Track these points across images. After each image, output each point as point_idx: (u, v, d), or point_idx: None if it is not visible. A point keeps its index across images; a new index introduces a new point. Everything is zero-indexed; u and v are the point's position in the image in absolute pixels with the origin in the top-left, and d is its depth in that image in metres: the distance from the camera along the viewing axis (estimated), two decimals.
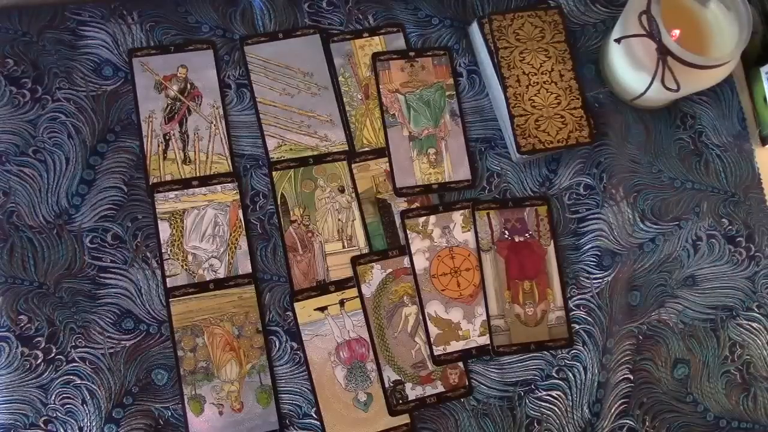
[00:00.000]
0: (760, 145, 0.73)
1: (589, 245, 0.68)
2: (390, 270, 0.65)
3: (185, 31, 0.67)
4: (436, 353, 0.64)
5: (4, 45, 0.64)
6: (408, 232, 0.66)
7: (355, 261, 0.65)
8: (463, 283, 0.66)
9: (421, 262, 0.66)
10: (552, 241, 0.67)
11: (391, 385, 0.63)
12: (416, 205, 0.67)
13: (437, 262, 0.66)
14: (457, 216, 0.67)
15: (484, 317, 0.65)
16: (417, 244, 0.66)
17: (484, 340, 0.65)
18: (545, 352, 0.66)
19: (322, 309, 0.64)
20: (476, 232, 0.67)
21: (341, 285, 0.64)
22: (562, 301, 0.67)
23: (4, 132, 0.63)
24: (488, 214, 0.67)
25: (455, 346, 0.64)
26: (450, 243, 0.66)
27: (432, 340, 0.64)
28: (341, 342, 0.64)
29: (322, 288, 0.64)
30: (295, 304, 0.63)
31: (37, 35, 0.65)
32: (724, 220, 0.70)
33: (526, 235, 0.67)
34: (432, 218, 0.66)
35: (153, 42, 0.66)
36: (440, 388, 0.64)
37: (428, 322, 0.65)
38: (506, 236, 0.67)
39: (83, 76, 0.65)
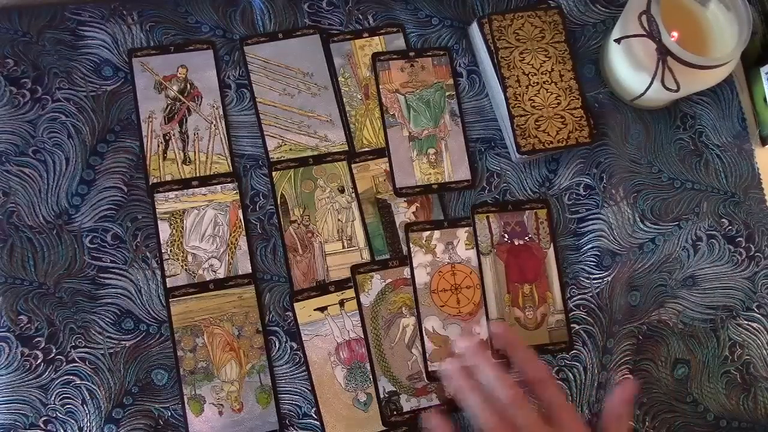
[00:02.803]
0: (760, 145, 0.73)
1: (589, 245, 0.68)
2: (390, 280, 0.65)
3: (185, 31, 0.67)
4: (430, 369, 0.64)
5: (4, 45, 0.64)
6: (411, 245, 0.65)
7: (355, 270, 0.65)
8: (462, 301, 0.65)
9: (422, 277, 0.65)
10: (552, 245, 0.67)
11: (386, 395, 0.63)
12: (417, 205, 0.67)
13: (438, 277, 0.65)
14: (462, 233, 0.67)
15: (483, 336, 0.65)
16: (419, 258, 0.65)
17: None
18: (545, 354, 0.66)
19: (322, 309, 0.64)
20: (476, 236, 0.66)
21: (341, 285, 0.64)
22: (561, 304, 0.67)
23: (4, 132, 0.63)
24: (488, 217, 0.67)
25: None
26: (453, 259, 0.66)
27: (428, 355, 0.64)
28: (341, 342, 0.64)
29: (322, 288, 0.64)
30: (295, 305, 0.63)
31: (37, 35, 0.65)
32: (724, 220, 0.70)
33: (526, 238, 0.67)
34: (436, 233, 0.66)
35: (153, 42, 0.66)
36: (435, 401, 0.64)
37: (425, 337, 0.64)
38: (506, 239, 0.67)
39: (83, 76, 0.65)
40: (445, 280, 0.66)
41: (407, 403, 0.63)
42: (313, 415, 0.62)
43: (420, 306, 0.65)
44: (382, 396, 0.63)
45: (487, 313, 0.65)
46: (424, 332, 0.64)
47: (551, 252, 0.67)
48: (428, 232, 0.66)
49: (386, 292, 0.65)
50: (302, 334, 0.63)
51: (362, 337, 0.64)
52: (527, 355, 0.57)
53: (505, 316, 0.66)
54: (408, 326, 0.65)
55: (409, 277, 0.65)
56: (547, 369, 0.56)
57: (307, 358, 0.63)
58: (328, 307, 0.64)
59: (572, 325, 0.66)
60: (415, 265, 0.65)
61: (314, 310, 0.64)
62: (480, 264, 0.66)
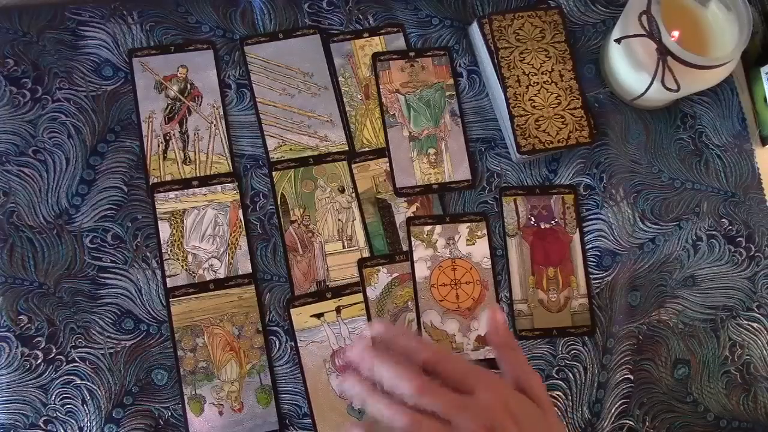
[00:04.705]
0: (760, 145, 0.73)
1: (590, 245, 0.68)
2: (396, 274, 0.65)
3: (185, 31, 0.67)
4: None
5: (4, 45, 0.64)
6: (412, 239, 0.65)
7: (362, 263, 0.65)
8: (462, 296, 0.65)
9: (422, 271, 0.65)
10: (577, 230, 0.68)
11: None
12: (417, 205, 0.67)
13: (438, 272, 0.65)
14: (463, 228, 0.67)
15: (480, 332, 0.65)
16: (420, 252, 0.66)
17: (477, 354, 0.65)
18: (546, 352, 0.66)
19: (319, 316, 0.64)
20: (503, 217, 0.67)
21: (338, 292, 0.64)
22: (585, 288, 0.67)
23: (4, 132, 0.63)
24: (515, 200, 0.67)
25: None
26: (453, 255, 0.66)
27: None
28: (337, 349, 0.63)
29: (320, 294, 0.64)
30: (292, 310, 0.63)
31: (37, 35, 0.65)
32: (724, 220, 0.70)
33: (552, 222, 0.68)
34: (438, 228, 0.66)
35: (153, 42, 0.66)
36: None
37: (423, 332, 0.64)
38: (532, 222, 0.67)
39: (83, 76, 0.65)
40: (445, 274, 0.66)
41: None
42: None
43: (419, 300, 0.65)
44: None
45: (511, 294, 0.66)
46: (422, 326, 0.64)
47: (576, 237, 0.68)
48: (430, 227, 0.66)
49: (392, 287, 0.65)
50: (298, 340, 0.63)
51: None
52: (413, 343, 0.50)
53: (529, 297, 0.66)
54: (413, 321, 0.65)
55: None
56: (433, 345, 0.53)
57: (302, 365, 0.63)
58: (325, 314, 0.64)
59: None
60: (415, 258, 0.65)
61: (310, 316, 0.64)
62: (505, 245, 0.67)
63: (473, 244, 0.66)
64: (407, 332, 0.56)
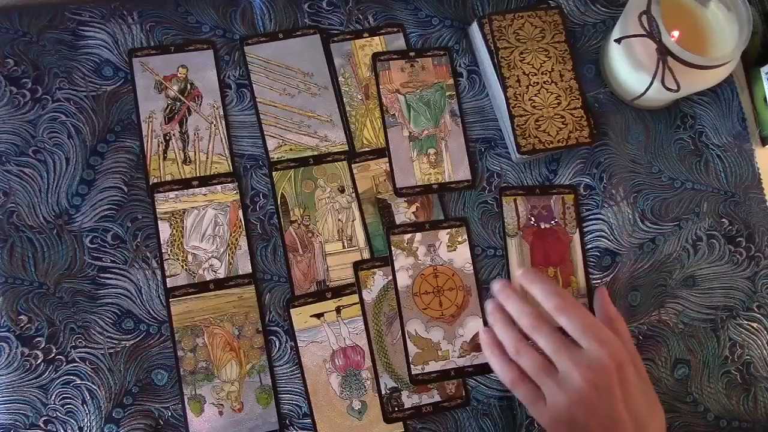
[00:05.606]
0: (760, 145, 0.73)
1: (590, 245, 0.68)
2: (392, 277, 0.65)
3: (185, 31, 0.67)
4: (413, 372, 0.63)
5: (4, 45, 0.64)
6: (392, 248, 0.65)
7: (357, 266, 0.65)
8: (445, 303, 0.65)
9: (404, 280, 0.65)
10: (577, 230, 0.68)
11: (388, 392, 0.63)
12: (417, 205, 0.67)
13: (420, 280, 0.65)
14: (444, 235, 0.66)
15: (465, 338, 0.65)
16: (401, 261, 0.65)
17: (464, 361, 0.64)
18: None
19: (319, 316, 0.64)
20: (503, 218, 0.67)
21: (338, 292, 0.64)
22: (585, 288, 0.67)
23: (4, 132, 0.63)
24: (515, 200, 0.67)
25: (434, 366, 0.64)
26: (435, 262, 0.66)
27: (411, 359, 0.64)
28: (337, 349, 0.63)
29: (320, 294, 0.64)
30: (292, 311, 0.63)
31: (37, 35, 0.65)
32: (724, 220, 0.70)
33: (552, 222, 0.67)
34: (418, 236, 0.66)
35: (153, 42, 0.66)
36: (437, 398, 0.64)
37: (408, 341, 0.64)
38: (532, 222, 0.67)
39: (83, 76, 0.65)
40: (427, 282, 0.65)
41: (409, 400, 0.63)
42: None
43: (402, 309, 0.65)
44: (383, 392, 0.63)
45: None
46: (407, 335, 0.64)
47: (576, 237, 0.68)
48: (409, 235, 0.66)
49: (388, 289, 0.65)
50: (298, 341, 0.63)
51: (358, 345, 0.64)
52: (547, 287, 0.58)
53: (528, 298, 0.66)
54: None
55: None
56: (567, 294, 0.58)
57: (302, 365, 0.63)
58: (325, 314, 0.64)
59: None
60: (396, 268, 0.65)
61: (310, 316, 0.64)
62: (506, 245, 0.67)
63: (454, 250, 0.66)
64: (545, 277, 0.60)
